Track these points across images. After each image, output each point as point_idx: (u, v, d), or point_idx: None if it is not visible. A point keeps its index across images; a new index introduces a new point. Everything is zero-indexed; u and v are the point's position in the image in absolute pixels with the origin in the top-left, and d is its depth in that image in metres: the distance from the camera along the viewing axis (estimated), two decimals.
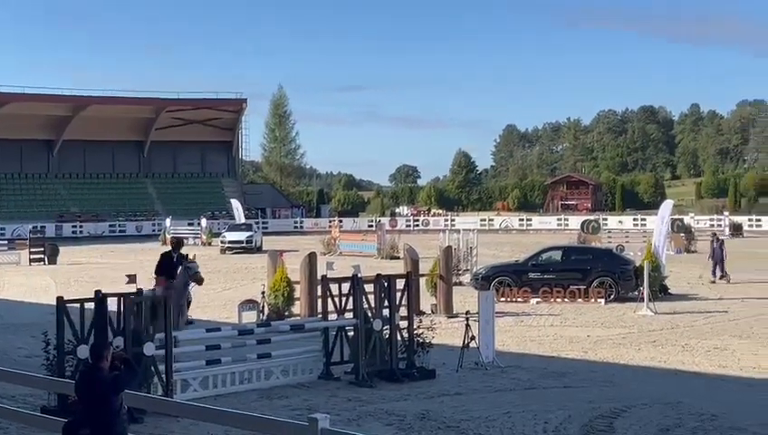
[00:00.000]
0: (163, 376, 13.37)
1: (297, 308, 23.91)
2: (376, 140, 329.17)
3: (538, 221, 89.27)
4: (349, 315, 15.94)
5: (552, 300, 27.49)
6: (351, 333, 15.92)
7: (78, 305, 13.16)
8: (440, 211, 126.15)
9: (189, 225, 71.35)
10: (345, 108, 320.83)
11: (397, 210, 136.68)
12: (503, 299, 26.93)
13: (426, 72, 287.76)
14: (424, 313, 23.53)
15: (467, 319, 17.40)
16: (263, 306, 23.82)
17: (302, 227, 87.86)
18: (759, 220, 77.34)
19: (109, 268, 41.99)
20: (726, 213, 79.90)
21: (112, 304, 13.22)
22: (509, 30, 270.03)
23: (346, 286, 16.20)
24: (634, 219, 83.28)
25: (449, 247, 28.64)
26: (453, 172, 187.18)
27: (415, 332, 16.43)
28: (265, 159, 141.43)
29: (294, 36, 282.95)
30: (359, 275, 15.92)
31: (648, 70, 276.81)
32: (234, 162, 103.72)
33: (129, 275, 14.39)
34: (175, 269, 16.44)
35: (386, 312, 15.92)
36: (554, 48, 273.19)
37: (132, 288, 13.65)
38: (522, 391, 15.07)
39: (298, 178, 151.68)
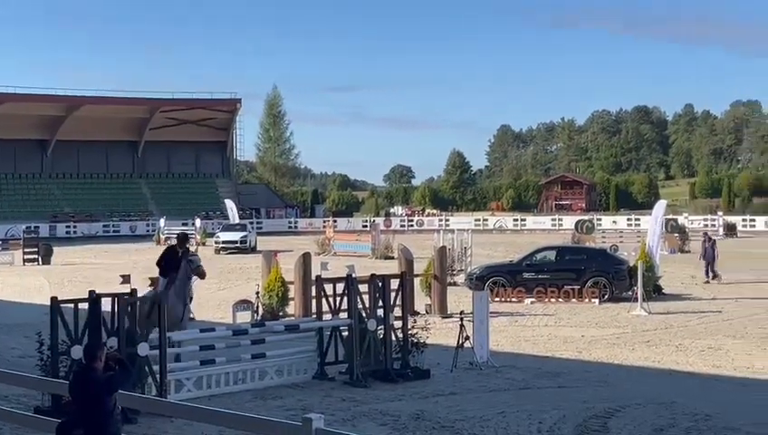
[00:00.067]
0: (157, 376, 13.35)
1: (291, 308, 23.88)
2: (370, 141, 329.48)
3: (532, 221, 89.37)
4: (343, 315, 15.93)
5: (547, 300, 27.51)
6: (346, 334, 15.90)
7: (72, 306, 13.13)
8: (435, 211, 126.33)
9: (183, 225, 71.10)
10: (339, 108, 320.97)
11: (391, 210, 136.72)
12: (497, 299, 26.94)
13: (420, 73, 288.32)
14: (418, 313, 23.52)
15: (462, 319, 17.42)
16: (257, 306, 23.80)
17: (296, 227, 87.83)
18: (753, 220, 77.51)
19: (103, 268, 41.94)
20: (720, 213, 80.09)
21: (107, 305, 13.19)
22: (504, 30, 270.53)
23: (340, 286, 16.18)
24: (628, 219, 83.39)
25: (444, 247, 28.66)
26: (447, 172, 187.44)
27: (409, 332, 16.43)
28: (260, 160, 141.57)
29: (289, 37, 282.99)
30: (353, 276, 15.91)
31: (642, 70, 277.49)
32: (228, 162, 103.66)
33: (123, 276, 14.38)
34: (178, 264, 16.33)
35: (380, 312, 15.90)
36: (548, 48, 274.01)
37: (126, 288, 13.62)
38: (516, 391, 15.07)
39: (292, 178, 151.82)
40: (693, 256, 38.48)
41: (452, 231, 40.59)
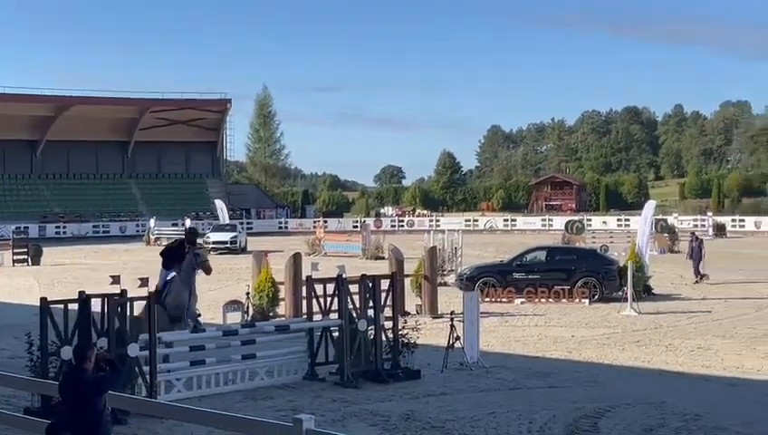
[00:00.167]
0: (147, 377, 13.33)
1: (282, 309, 23.85)
2: (361, 141, 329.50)
3: (522, 222, 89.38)
4: (334, 316, 15.93)
5: (537, 300, 27.53)
6: (336, 334, 15.91)
7: (62, 306, 13.11)
8: (425, 212, 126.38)
9: (173, 225, 71.04)
10: (330, 108, 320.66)
11: (382, 211, 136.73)
12: (487, 299, 26.95)
13: (410, 73, 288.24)
14: (409, 313, 23.50)
15: (452, 319, 17.43)
16: (247, 307, 23.75)
17: (286, 227, 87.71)
18: (742, 221, 77.64)
19: (92, 269, 41.84)
20: (710, 213, 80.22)
21: (99, 306, 13.17)
22: (493, 31, 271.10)
23: (331, 287, 16.19)
24: (618, 220, 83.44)
25: (434, 248, 28.66)
26: (438, 173, 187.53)
27: (400, 332, 16.44)
28: (250, 160, 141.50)
29: (279, 37, 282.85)
30: (343, 276, 15.91)
31: (632, 71, 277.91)
32: (218, 163, 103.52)
33: (112, 276, 14.33)
34: (183, 258, 16.23)
35: (371, 312, 15.91)
36: (538, 49, 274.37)
37: (116, 289, 13.59)
38: (506, 392, 15.09)
39: (283, 178, 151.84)
40: (682, 257, 38.54)
41: (442, 231, 40.60)
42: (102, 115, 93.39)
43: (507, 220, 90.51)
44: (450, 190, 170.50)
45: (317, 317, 16.21)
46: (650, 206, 34.70)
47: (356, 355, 15.63)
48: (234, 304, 23.32)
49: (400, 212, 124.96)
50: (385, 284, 16.62)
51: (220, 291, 31.20)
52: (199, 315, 17.21)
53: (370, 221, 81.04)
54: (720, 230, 69.20)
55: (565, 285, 27.95)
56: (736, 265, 39.92)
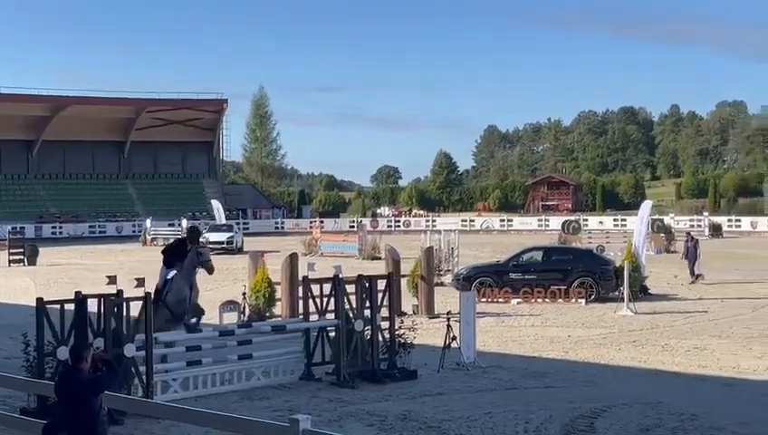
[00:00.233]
0: (144, 377, 13.33)
1: (278, 309, 23.85)
2: (357, 141, 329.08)
3: (519, 222, 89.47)
4: (330, 316, 15.93)
5: (533, 300, 27.55)
6: (333, 334, 15.90)
7: (58, 307, 13.10)
8: (421, 212, 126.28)
9: (170, 225, 71.04)
10: (326, 108, 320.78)
11: (378, 211, 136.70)
12: (484, 299, 26.96)
13: (407, 73, 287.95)
14: (405, 313, 23.53)
15: (449, 319, 17.42)
16: (244, 307, 23.75)
17: (283, 227, 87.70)
18: (738, 221, 77.77)
19: (89, 269, 41.80)
20: (706, 213, 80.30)
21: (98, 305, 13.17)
22: (490, 31, 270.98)
23: (327, 287, 16.18)
24: (614, 220, 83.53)
25: (430, 248, 28.65)
26: (434, 173, 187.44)
27: (396, 332, 16.44)
28: (246, 160, 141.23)
29: (275, 37, 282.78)
30: (340, 276, 15.91)
31: (629, 71, 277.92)
32: (214, 163, 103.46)
33: (109, 277, 14.33)
34: (185, 256, 16.18)
35: (367, 312, 15.92)
36: (535, 49, 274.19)
37: (113, 289, 13.58)
38: (503, 392, 15.10)
39: (279, 178, 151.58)
40: (679, 257, 38.59)
41: (439, 232, 40.62)
42: (99, 115, 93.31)
43: (504, 220, 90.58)
44: (447, 190, 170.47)
45: (314, 317, 16.21)
46: (647, 206, 34.69)
47: (352, 355, 15.63)
48: (230, 305, 23.31)
49: (397, 212, 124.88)
50: (381, 284, 16.63)
51: (216, 291, 31.16)
52: (203, 313, 17.14)
53: (367, 221, 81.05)
54: (716, 230, 69.24)
55: (562, 286, 27.97)
56: (732, 266, 39.96)
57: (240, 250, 53.88)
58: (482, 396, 14.65)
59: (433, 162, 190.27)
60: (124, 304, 13.38)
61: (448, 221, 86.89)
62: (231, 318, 22.22)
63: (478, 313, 19.79)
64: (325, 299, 16.06)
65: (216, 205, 72.79)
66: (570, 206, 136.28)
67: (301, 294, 17.29)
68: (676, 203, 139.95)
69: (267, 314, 23.58)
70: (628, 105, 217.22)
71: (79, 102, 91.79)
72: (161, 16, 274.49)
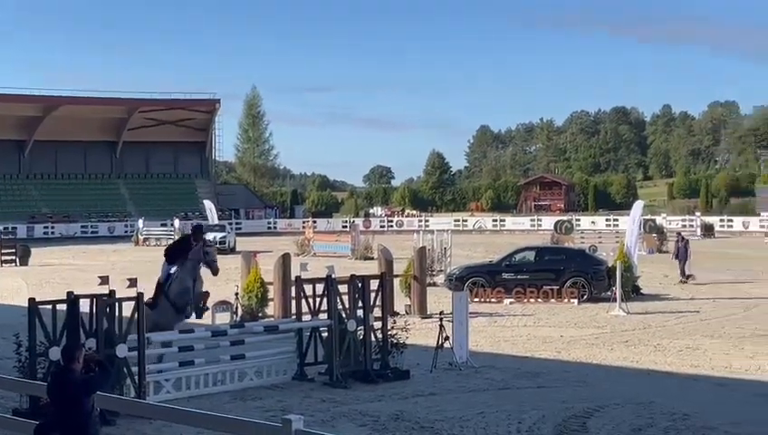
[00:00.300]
0: (136, 378, 13.30)
1: (271, 309, 23.84)
2: (350, 141, 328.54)
3: (511, 222, 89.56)
4: (323, 316, 15.92)
5: (526, 300, 27.57)
6: (326, 334, 15.90)
7: (50, 307, 13.07)
8: (414, 212, 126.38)
9: (162, 225, 70.97)
10: (319, 109, 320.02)
11: (371, 211, 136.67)
12: (476, 299, 26.98)
13: (399, 73, 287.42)
14: (398, 313, 23.51)
15: (441, 319, 17.44)
16: (236, 307, 23.74)
17: (275, 227, 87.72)
18: (730, 221, 77.93)
19: (81, 269, 41.71)
20: (698, 213, 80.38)
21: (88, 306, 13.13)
22: (482, 31, 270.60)
23: (320, 287, 16.18)
24: (606, 220, 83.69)
25: (423, 248, 28.67)
26: (427, 173, 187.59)
27: (389, 332, 16.44)
28: (239, 160, 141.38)
29: (268, 37, 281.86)
30: (333, 276, 15.90)
31: (621, 71, 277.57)
32: (207, 163, 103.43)
33: (101, 277, 14.29)
34: (186, 253, 16.11)
35: (360, 312, 15.91)
36: (527, 49, 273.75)
37: (105, 289, 13.55)
38: (495, 392, 15.11)
39: (272, 178, 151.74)
40: (670, 257, 38.65)
41: (431, 232, 40.65)
42: (91, 115, 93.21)
43: (496, 220, 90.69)
44: (439, 190, 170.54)
45: (306, 317, 16.20)
46: (639, 206, 34.77)
47: (345, 356, 15.63)
48: (223, 305, 23.29)
49: (389, 212, 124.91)
50: (374, 284, 16.62)
51: (209, 291, 31.11)
52: (207, 309, 17.07)
53: (359, 221, 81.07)
54: (708, 230, 69.38)
55: (554, 286, 28.00)
56: (724, 266, 40.05)
57: (233, 250, 53.74)
58: (474, 396, 14.66)
59: (426, 162, 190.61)
60: (116, 305, 13.36)
61: (441, 221, 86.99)
62: (223, 318, 22.21)
63: (471, 313, 19.81)
64: (318, 299, 16.06)
65: (209, 205, 72.72)
66: (562, 206, 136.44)
67: (293, 294, 17.27)
68: (668, 203, 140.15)
69: (260, 315, 23.57)
70: (621, 105, 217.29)
71: (71, 102, 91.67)
72: (161, 16, 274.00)
